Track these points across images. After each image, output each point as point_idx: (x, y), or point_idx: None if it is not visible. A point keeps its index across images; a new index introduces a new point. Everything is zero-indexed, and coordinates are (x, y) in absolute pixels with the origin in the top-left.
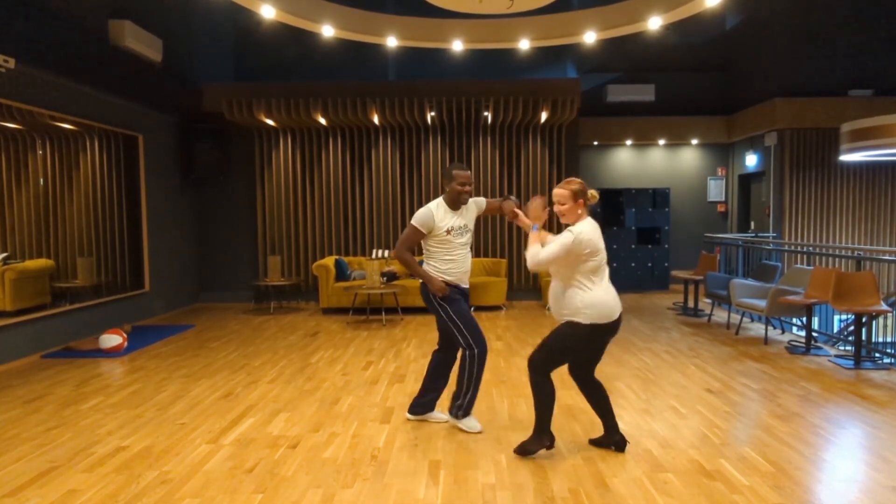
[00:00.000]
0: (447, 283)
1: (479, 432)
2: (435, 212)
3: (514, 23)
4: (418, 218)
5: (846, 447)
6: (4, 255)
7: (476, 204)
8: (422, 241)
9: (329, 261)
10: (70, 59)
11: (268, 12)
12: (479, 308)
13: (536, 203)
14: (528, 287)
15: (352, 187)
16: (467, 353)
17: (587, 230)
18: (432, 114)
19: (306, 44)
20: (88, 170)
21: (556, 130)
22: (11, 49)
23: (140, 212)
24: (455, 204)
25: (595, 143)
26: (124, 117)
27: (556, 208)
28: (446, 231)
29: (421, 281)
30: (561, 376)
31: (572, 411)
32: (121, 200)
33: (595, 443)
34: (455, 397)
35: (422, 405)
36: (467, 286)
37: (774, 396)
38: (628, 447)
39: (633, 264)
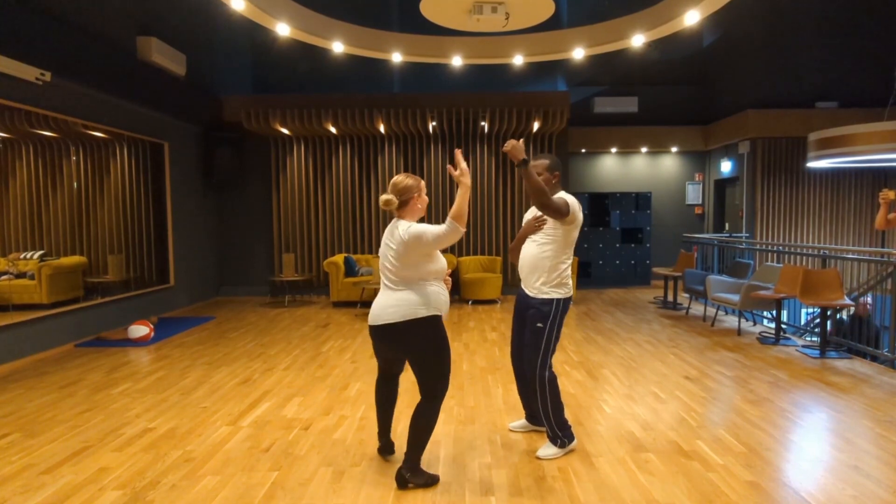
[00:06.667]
0: None
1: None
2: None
3: (509, 40)
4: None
5: (812, 429)
6: (41, 252)
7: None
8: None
9: (339, 258)
10: (101, 72)
11: (283, 30)
12: (476, 302)
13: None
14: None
15: (360, 191)
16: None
17: None
18: (433, 123)
19: (318, 59)
20: (118, 174)
21: (548, 139)
22: (48, 64)
23: (165, 213)
24: None
25: (583, 150)
26: (151, 126)
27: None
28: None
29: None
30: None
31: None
32: (148, 202)
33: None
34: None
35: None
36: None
37: (746, 383)
38: (613, 429)
39: (617, 262)
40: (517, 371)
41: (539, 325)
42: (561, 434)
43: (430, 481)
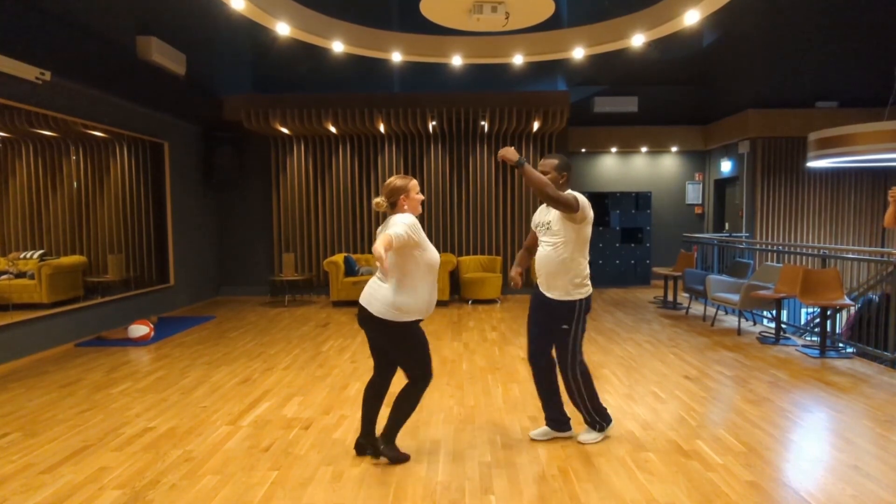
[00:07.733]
0: None
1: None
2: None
3: (509, 39)
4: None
5: (812, 429)
6: (41, 251)
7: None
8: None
9: (339, 258)
10: (101, 72)
11: (283, 29)
12: (476, 301)
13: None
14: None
15: (359, 190)
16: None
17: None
18: (433, 123)
19: (318, 58)
20: (118, 174)
21: (548, 138)
22: (48, 63)
23: (165, 212)
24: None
25: (583, 150)
26: (151, 126)
27: None
28: None
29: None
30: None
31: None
32: (148, 202)
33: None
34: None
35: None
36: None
37: (746, 383)
38: (613, 429)
39: (617, 261)
40: (536, 374)
41: (565, 326)
42: (599, 418)
43: (401, 458)
